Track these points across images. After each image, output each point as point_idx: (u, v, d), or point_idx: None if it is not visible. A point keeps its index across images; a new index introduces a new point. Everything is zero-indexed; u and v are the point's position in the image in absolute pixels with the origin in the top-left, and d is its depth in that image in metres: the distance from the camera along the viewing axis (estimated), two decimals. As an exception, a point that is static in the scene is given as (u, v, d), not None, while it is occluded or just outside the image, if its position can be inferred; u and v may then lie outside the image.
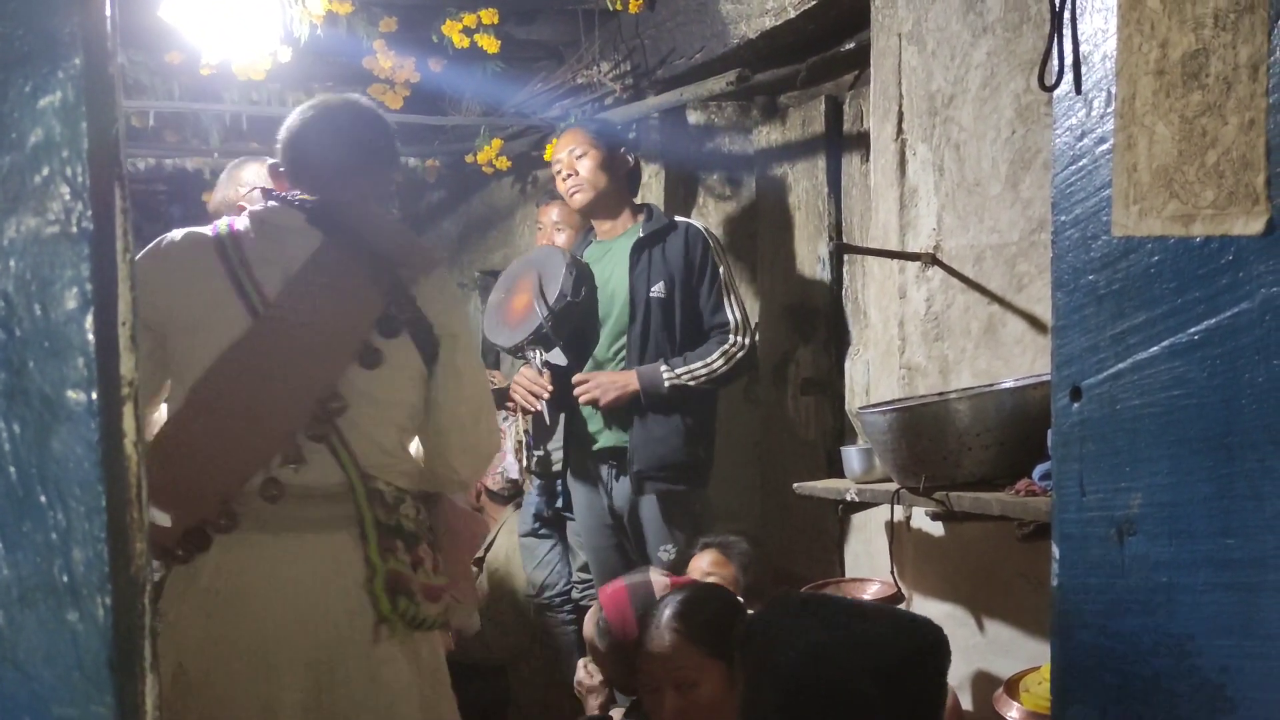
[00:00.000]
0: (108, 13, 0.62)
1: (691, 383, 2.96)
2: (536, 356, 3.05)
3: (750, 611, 1.73)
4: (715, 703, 1.89)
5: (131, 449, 0.62)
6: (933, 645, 1.53)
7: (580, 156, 3.14)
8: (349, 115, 2.02)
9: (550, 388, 3.06)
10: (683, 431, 3.02)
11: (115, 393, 0.61)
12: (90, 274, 0.60)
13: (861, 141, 3.20)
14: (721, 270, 3.05)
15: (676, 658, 1.94)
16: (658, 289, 3.03)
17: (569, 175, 3.16)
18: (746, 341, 2.99)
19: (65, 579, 0.60)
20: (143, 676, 0.61)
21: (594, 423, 3.12)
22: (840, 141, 3.35)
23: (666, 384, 2.95)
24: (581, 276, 3.10)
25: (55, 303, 0.61)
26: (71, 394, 0.60)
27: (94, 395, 0.60)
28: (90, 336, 0.60)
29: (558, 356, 3.12)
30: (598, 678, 2.61)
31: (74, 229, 0.60)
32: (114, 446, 0.61)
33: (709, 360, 2.97)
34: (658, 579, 2.39)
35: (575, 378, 3.04)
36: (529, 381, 3.10)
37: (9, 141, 0.60)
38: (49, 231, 0.61)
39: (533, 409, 3.12)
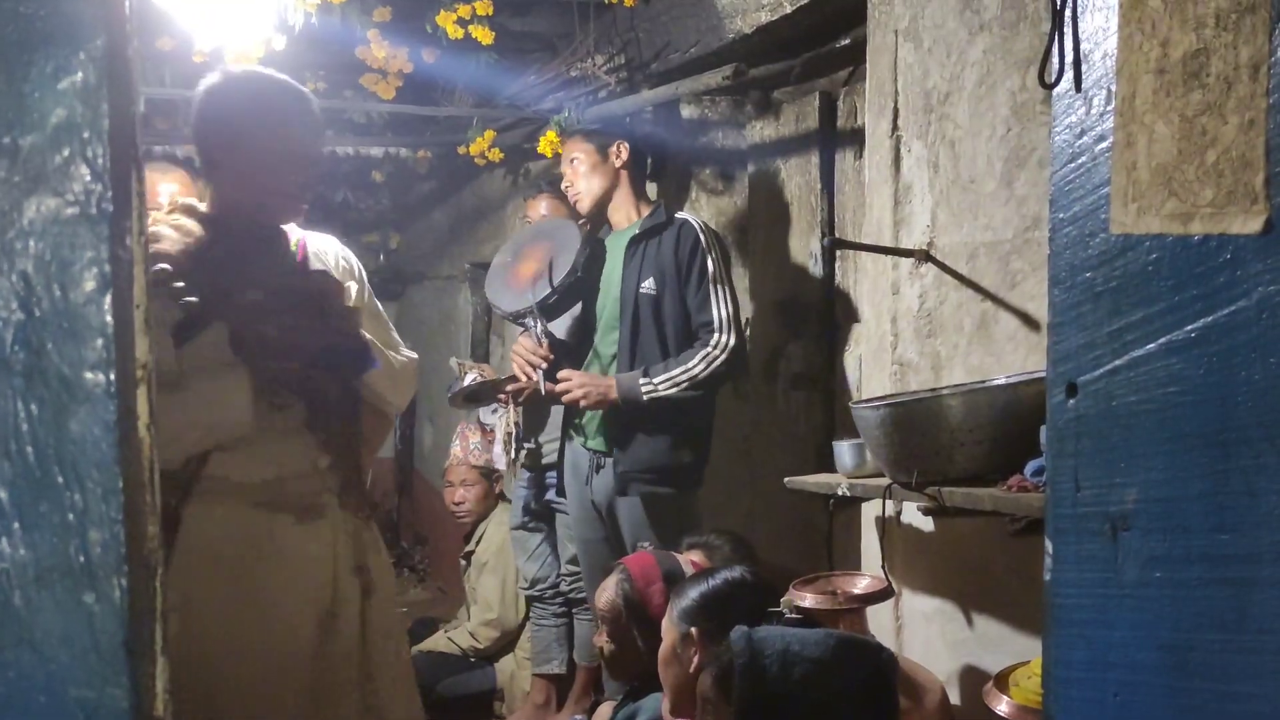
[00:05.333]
0: (128, -5, 0.62)
1: (672, 390, 2.92)
2: (538, 325, 3.04)
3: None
4: (664, 655, 2.13)
5: (145, 431, 0.62)
6: (889, 664, 1.77)
7: (575, 163, 3.18)
8: None
9: (550, 356, 3.06)
10: (670, 434, 3.00)
11: (131, 375, 0.61)
12: (109, 256, 0.60)
13: (855, 138, 3.21)
14: (711, 266, 3.01)
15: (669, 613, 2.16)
16: (648, 285, 3.01)
17: (569, 185, 3.21)
18: (730, 341, 2.94)
19: (82, 560, 0.60)
20: (154, 658, 0.61)
21: (586, 416, 3.12)
22: (834, 137, 3.35)
23: (645, 397, 2.93)
24: (594, 256, 3.11)
25: (74, 284, 0.61)
26: (90, 375, 0.60)
27: (112, 376, 0.60)
28: (109, 318, 0.60)
29: (560, 328, 3.14)
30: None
31: (94, 210, 0.60)
32: (130, 428, 0.61)
33: (689, 366, 2.93)
34: (681, 555, 2.47)
35: (560, 373, 3.04)
36: (527, 351, 3.09)
37: (30, 121, 0.60)
38: (69, 213, 0.61)
39: (530, 378, 3.10)
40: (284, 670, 2.06)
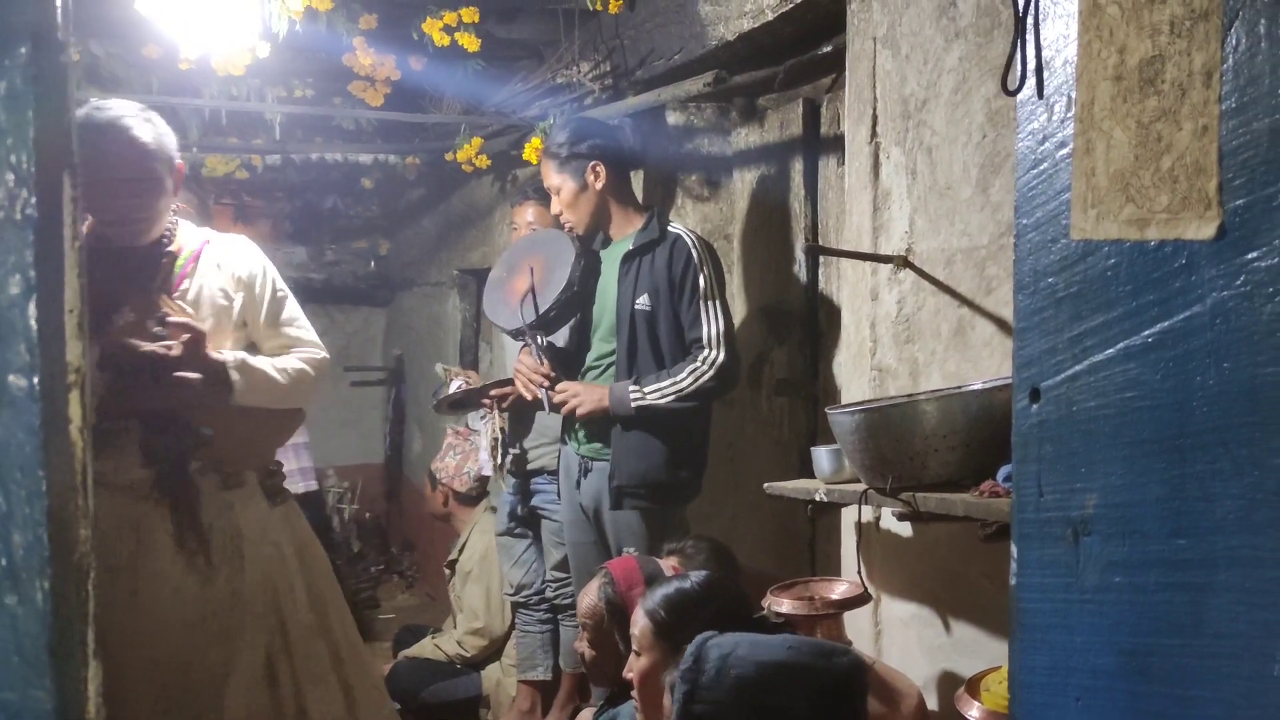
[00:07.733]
0: (59, 3, 0.62)
1: (660, 402, 2.93)
2: (537, 342, 3.06)
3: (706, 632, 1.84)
4: (645, 673, 2.12)
5: (77, 435, 0.62)
6: (855, 669, 1.77)
7: (559, 191, 3.16)
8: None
9: (552, 374, 3.08)
10: (665, 450, 3.00)
11: (60, 379, 0.61)
12: (34, 260, 0.60)
13: (838, 144, 3.22)
14: (703, 283, 2.99)
15: (636, 623, 2.17)
16: (642, 301, 3.01)
17: (557, 214, 3.20)
18: (719, 358, 2.93)
19: (4, 562, 0.60)
20: (85, 661, 0.61)
21: (582, 424, 3.12)
22: (817, 144, 3.36)
23: (634, 405, 2.94)
24: (589, 269, 3.11)
25: (-2, 289, 0.61)
26: (13, 379, 0.60)
27: (35, 381, 0.60)
28: (33, 323, 0.60)
29: (560, 337, 3.16)
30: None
31: (18, 215, 0.60)
32: (57, 432, 0.61)
33: (677, 379, 2.94)
34: (662, 560, 2.49)
35: (559, 385, 3.06)
36: (529, 370, 3.11)
37: (-48, 128, 0.60)
38: (-8, 218, 0.61)
39: (534, 397, 3.12)
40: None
